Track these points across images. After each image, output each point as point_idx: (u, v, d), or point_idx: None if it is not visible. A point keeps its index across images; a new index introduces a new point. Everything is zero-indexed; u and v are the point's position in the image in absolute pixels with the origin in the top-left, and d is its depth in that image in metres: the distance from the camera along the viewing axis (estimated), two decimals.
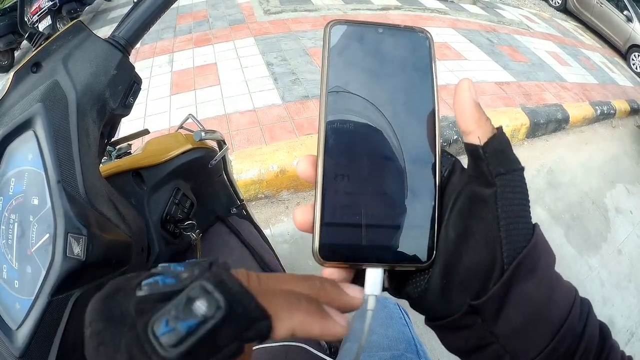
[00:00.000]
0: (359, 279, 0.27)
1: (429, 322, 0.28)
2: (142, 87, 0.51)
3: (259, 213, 2.23)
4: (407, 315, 0.78)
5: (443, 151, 0.28)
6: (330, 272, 0.26)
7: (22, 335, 0.36)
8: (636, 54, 6.35)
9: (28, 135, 0.40)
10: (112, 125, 0.50)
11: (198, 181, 0.71)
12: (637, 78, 5.88)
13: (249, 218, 0.87)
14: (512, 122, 3.16)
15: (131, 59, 0.49)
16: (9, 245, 0.38)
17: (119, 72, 0.46)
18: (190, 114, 0.77)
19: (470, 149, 0.26)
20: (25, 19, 4.81)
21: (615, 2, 6.84)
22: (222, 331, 0.16)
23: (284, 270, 0.83)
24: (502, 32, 4.97)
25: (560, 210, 2.78)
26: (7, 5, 5.22)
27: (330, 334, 0.20)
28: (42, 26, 5.07)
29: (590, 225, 2.76)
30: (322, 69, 0.27)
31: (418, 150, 0.27)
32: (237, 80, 3.15)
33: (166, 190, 0.62)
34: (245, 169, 2.25)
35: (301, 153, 2.36)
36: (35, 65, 0.43)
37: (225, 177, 0.83)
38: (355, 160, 0.26)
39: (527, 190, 0.25)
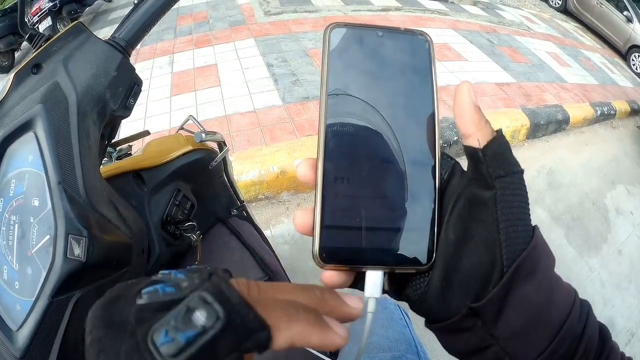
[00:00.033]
0: (359, 282, 0.27)
1: (429, 324, 0.28)
2: (142, 88, 0.51)
3: (259, 214, 2.23)
4: (407, 316, 0.78)
5: (443, 154, 0.28)
6: (331, 274, 0.26)
7: (23, 336, 0.36)
8: (636, 54, 6.35)
9: (28, 136, 0.40)
10: (112, 126, 0.50)
11: (198, 182, 0.71)
12: (637, 79, 5.88)
13: (249, 219, 0.87)
14: (513, 123, 3.16)
15: (131, 60, 0.49)
16: (10, 247, 0.38)
17: (119, 73, 0.46)
18: (190, 115, 0.77)
19: (470, 152, 0.26)
20: (26, 20, 4.80)
21: (615, 3, 6.84)
22: (221, 342, 0.16)
23: (284, 271, 0.83)
24: (503, 33, 4.97)
25: (561, 211, 2.78)
26: (7, 6, 5.22)
27: (329, 344, 0.20)
28: (42, 27, 5.08)
29: (590, 226, 2.76)
30: (322, 72, 0.27)
31: (418, 153, 0.27)
32: (237, 82, 3.15)
33: (167, 191, 0.62)
34: (245, 170, 2.25)
35: (301, 154, 2.37)
36: (35, 67, 0.43)
37: (225, 178, 0.83)
38: (355, 163, 0.26)
39: (526, 192, 0.25)
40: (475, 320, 0.25)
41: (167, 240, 0.60)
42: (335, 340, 0.20)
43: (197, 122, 0.77)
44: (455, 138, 2.75)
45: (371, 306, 0.26)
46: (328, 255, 0.26)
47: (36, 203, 0.38)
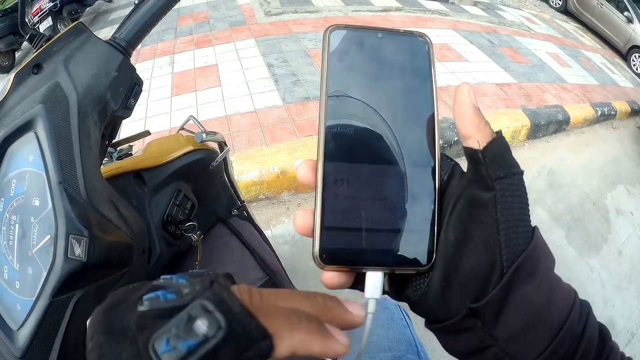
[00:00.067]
0: (359, 282, 0.27)
1: (429, 324, 0.28)
2: (143, 88, 0.51)
3: (259, 214, 2.23)
4: (407, 316, 0.78)
5: (442, 155, 0.28)
6: (331, 275, 0.26)
7: (23, 335, 0.36)
8: (636, 54, 6.35)
9: (29, 136, 0.40)
10: (113, 126, 0.50)
11: (199, 182, 0.71)
12: (638, 79, 5.87)
13: (249, 219, 0.87)
14: (513, 123, 3.16)
15: (132, 60, 0.49)
16: (10, 246, 0.38)
17: (120, 73, 0.46)
18: (191, 116, 0.77)
19: (470, 153, 0.26)
20: (26, 20, 4.80)
21: (616, 3, 6.84)
22: (223, 351, 0.16)
23: (285, 271, 0.83)
24: (503, 34, 4.97)
25: (561, 212, 2.78)
26: (7, 6, 5.22)
27: (331, 353, 0.20)
28: (42, 27, 5.08)
29: (590, 226, 2.76)
30: (322, 74, 0.27)
31: (418, 154, 0.27)
32: (238, 82, 3.16)
33: (167, 191, 0.62)
34: (246, 170, 2.25)
35: (302, 154, 2.37)
36: (36, 67, 0.43)
37: (226, 178, 0.83)
38: (355, 165, 0.26)
39: (526, 193, 0.25)
40: (475, 321, 0.25)
41: (167, 241, 0.60)
42: (337, 349, 0.20)
43: (198, 122, 0.77)
44: (456, 138, 2.75)
45: (371, 307, 0.26)
46: (328, 256, 0.26)
47: (37, 203, 0.38)
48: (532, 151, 3.30)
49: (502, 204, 0.24)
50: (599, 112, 3.91)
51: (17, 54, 5.40)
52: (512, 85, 3.73)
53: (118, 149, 0.82)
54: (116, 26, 0.50)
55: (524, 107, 3.39)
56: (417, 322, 0.40)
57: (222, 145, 0.77)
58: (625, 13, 6.65)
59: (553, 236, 2.55)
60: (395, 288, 0.29)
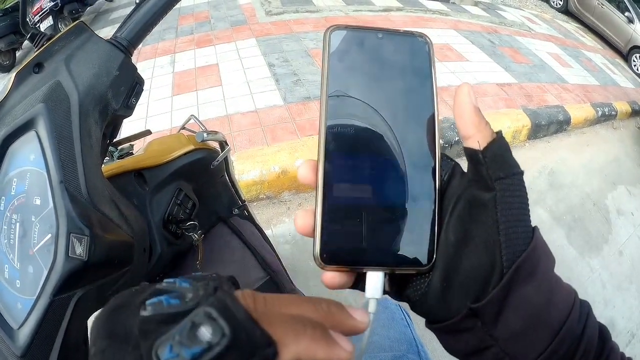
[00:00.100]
0: (359, 282, 0.28)
1: (430, 324, 0.28)
2: (144, 87, 0.51)
3: (260, 214, 2.23)
4: (408, 316, 0.78)
5: (443, 155, 0.28)
6: (331, 275, 0.26)
7: (24, 334, 0.36)
8: (637, 55, 6.34)
9: (30, 135, 0.40)
10: (114, 125, 0.50)
11: (200, 182, 0.71)
12: (638, 79, 5.87)
13: (250, 219, 0.87)
14: (514, 123, 3.16)
15: (133, 59, 0.49)
16: (11, 245, 0.38)
17: (121, 73, 0.46)
18: (192, 115, 0.78)
19: (470, 154, 0.26)
20: (27, 19, 4.80)
21: (617, 4, 6.83)
22: (227, 358, 0.16)
23: (286, 271, 0.83)
24: (504, 34, 4.96)
25: (562, 212, 2.78)
26: (8, 5, 5.22)
27: (335, 359, 0.20)
28: (43, 26, 5.09)
29: (591, 226, 2.75)
30: (322, 74, 0.27)
31: (418, 155, 0.27)
32: (238, 81, 3.16)
33: (168, 190, 0.62)
34: (246, 170, 2.25)
35: (303, 154, 2.37)
36: (37, 66, 0.43)
37: (227, 177, 0.83)
38: (356, 165, 0.26)
39: (526, 194, 0.25)
40: (475, 321, 0.25)
41: (168, 240, 0.60)
42: (341, 356, 0.20)
43: (199, 121, 0.77)
44: (457, 138, 2.75)
45: (372, 307, 0.26)
46: (329, 257, 0.26)
47: (38, 202, 0.38)
48: (532, 151, 3.30)
49: (502, 204, 0.24)
50: (600, 113, 3.90)
51: (18, 53, 5.40)
52: (513, 85, 3.72)
53: (119, 148, 0.82)
54: (117, 25, 0.50)
55: (525, 107, 3.39)
56: (418, 322, 0.41)
57: (223, 144, 0.77)
58: (626, 13, 6.64)
59: (553, 236, 2.55)
60: (395, 288, 0.29)
